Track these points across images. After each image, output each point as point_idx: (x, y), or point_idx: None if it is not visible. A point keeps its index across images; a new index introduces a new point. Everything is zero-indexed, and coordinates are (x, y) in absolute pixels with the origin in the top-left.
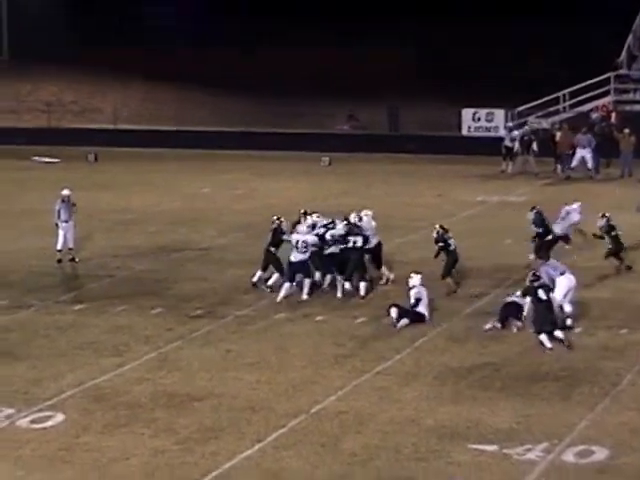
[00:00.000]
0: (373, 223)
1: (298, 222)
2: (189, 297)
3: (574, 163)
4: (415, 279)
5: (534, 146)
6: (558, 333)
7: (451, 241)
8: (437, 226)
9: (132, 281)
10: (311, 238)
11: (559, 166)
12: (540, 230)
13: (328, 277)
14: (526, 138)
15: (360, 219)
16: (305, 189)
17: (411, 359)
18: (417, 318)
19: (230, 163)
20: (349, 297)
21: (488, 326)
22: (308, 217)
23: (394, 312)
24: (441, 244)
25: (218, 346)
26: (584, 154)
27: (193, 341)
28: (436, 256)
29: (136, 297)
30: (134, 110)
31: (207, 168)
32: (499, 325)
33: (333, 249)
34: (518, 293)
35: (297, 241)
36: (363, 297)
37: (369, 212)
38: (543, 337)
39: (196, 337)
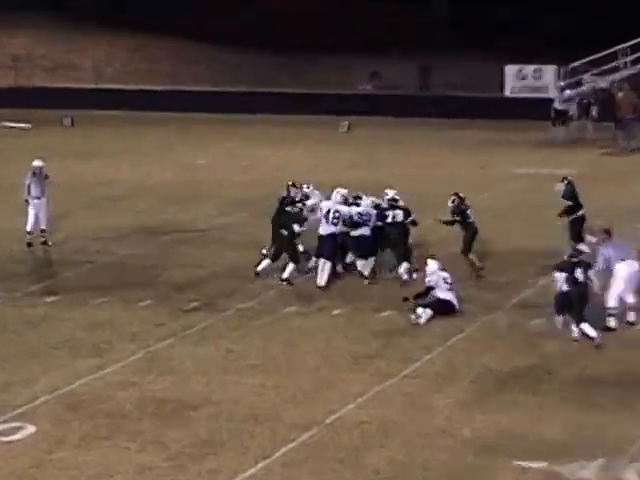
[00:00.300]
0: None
1: (284, 198)
2: (183, 287)
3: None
4: (431, 265)
5: (593, 110)
6: (585, 327)
7: (469, 212)
8: (453, 195)
9: (116, 268)
10: (346, 209)
11: (620, 133)
12: (570, 204)
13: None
14: (585, 101)
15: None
16: (320, 159)
17: (444, 359)
18: (444, 307)
19: (232, 129)
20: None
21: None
22: (294, 189)
23: (413, 304)
24: (457, 217)
25: (217, 345)
26: None
27: (187, 339)
28: (447, 224)
29: (120, 287)
30: (120, 67)
31: (206, 135)
32: (560, 319)
33: (363, 230)
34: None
35: (328, 210)
36: (406, 282)
37: (390, 192)
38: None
39: (191, 334)
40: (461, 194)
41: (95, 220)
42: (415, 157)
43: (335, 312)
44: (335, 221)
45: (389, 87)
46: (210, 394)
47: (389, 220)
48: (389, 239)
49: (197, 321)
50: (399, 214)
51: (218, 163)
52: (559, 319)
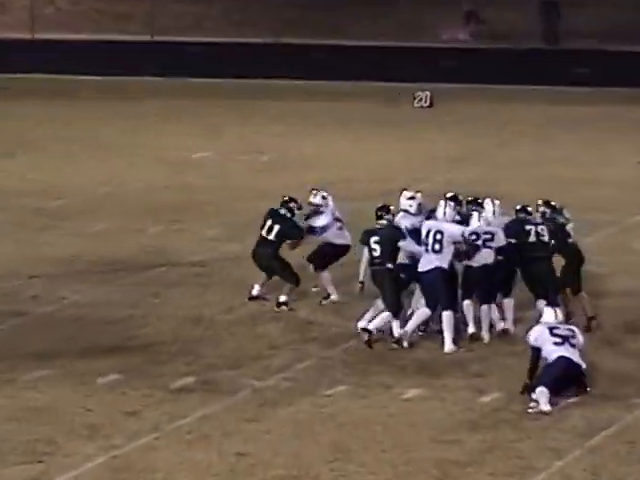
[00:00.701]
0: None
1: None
2: (168, 353)
3: None
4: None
5: None
6: None
7: (569, 228)
8: (540, 202)
9: (63, 323)
10: (455, 229)
11: None
12: None
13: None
14: None
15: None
16: (385, 152)
17: (584, 469)
18: (565, 375)
19: (246, 105)
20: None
21: None
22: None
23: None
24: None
25: (222, 446)
26: None
27: (176, 436)
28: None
29: (70, 353)
30: (69, 9)
31: (206, 114)
32: None
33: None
34: None
35: (428, 231)
36: None
37: (490, 203)
38: None
39: (181, 428)
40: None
41: (29, 248)
42: (536, 145)
43: (409, 394)
44: (438, 247)
45: (494, 36)
46: None
47: (532, 239)
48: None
49: (191, 407)
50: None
51: (225, 158)
52: None
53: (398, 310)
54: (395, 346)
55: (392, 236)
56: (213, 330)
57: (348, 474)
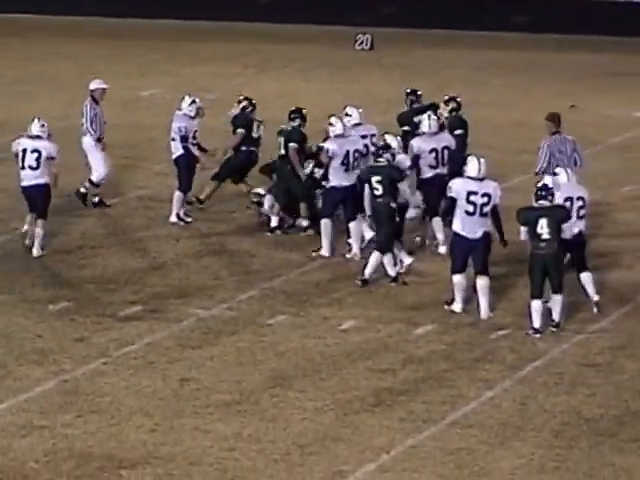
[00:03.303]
0: None
1: None
2: (117, 282)
3: None
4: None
5: None
6: None
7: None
8: None
9: (15, 254)
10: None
11: None
12: None
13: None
14: None
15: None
16: (325, 93)
17: (512, 400)
18: None
19: (196, 45)
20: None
21: None
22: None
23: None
24: None
25: (167, 372)
26: None
27: (123, 362)
28: None
29: (22, 282)
30: None
31: (154, 52)
32: None
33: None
34: None
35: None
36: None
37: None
38: None
39: (128, 355)
40: None
41: None
42: (473, 90)
43: (346, 325)
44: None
45: None
46: (156, 447)
47: None
48: None
49: (138, 335)
50: None
51: (172, 97)
52: None
53: (388, 249)
54: (394, 284)
55: (393, 176)
56: (160, 261)
57: (288, 400)
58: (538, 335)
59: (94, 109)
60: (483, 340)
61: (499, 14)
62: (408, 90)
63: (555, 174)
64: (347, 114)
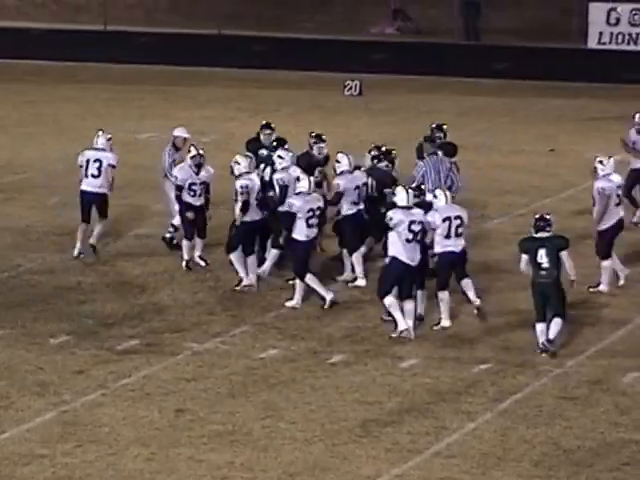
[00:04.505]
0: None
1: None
2: (116, 317)
3: None
4: None
5: None
6: None
7: None
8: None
9: (17, 289)
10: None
11: None
12: None
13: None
14: None
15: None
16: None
17: (494, 431)
18: None
19: (192, 90)
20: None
21: None
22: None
23: None
24: None
25: (163, 403)
26: None
27: (120, 394)
28: None
29: (24, 316)
30: (31, 1)
31: (154, 97)
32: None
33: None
34: None
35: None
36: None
37: None
38: None
39: (125, 387)
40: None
41: None
42: (455, 133)
43: (335, 359)
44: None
45: (419, 32)
46: (152, 475)
47: None
48: None
49: (135, 367)
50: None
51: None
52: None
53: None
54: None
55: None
56: (157, 297)
57: (279, 430)
58: (544, 355)
59: (173, 155)
60: (466, 374)
61: (481, 61)
62: (434, 125)
63: (435, 196)
64: (337, 160)
